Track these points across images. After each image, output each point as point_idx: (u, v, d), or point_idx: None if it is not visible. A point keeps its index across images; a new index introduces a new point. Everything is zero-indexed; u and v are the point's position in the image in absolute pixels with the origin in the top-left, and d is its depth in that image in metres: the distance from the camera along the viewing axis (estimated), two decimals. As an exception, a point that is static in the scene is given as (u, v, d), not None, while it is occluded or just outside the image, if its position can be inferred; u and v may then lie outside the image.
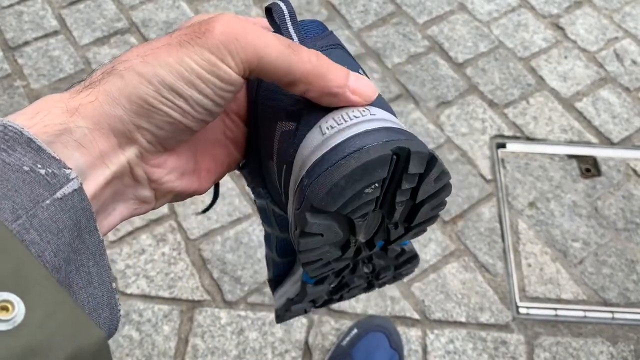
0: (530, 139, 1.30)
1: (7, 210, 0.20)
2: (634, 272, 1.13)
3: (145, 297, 1.09)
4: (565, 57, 1.45)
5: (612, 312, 1.09)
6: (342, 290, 0.37)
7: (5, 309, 0.18)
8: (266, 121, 0.30)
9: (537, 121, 1.33)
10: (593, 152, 1.28)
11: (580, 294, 1.11)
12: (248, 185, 0.37)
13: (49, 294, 0.19)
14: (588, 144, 1.30)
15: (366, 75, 0.29)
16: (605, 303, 1.10)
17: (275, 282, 0.40)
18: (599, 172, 1.26)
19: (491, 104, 1.36)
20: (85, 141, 0.24)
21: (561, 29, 1.50)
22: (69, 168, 0.23)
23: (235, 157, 0.33)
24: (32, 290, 0.19)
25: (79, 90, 0.25)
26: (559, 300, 1.10)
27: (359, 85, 0.27)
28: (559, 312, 1.09)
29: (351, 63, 0.30)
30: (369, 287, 0.38)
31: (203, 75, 0.25)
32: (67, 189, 0.22)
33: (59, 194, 0.22)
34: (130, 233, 1.14)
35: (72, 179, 0.23)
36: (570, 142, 1.30)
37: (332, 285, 0.36)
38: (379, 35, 1.47)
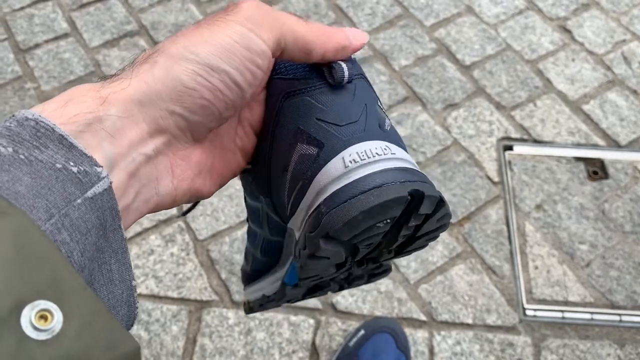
0: (537, 142, 1.30)
1: (42, 209, 0.20)
2: (641, 275, 1.13)
3: (154, 297, 1.10)
4: (573, 60, 1.45)
5: (619, 314, 1.09)
6: (315, 292, 0.39)
7: (44, 317, 0.18)
8: (286, 139, 0.31)
9: (545, 123, 1.33)
10: (600, 155, 1.28)
11: (588, 296, 1.11)
12: (245, 189, 0.37)
13: (86, 304, 0.19)
14: (595, 146, 1.30)
15: (382, 110, 0.32)
16: (613, 306, 1.10)
17: (252, 276, 0.41)
18: (606, 175, 1.26)
19: (498, 106, 1.36)
20: (115, 130, 0.24)
21: (568, 31, 1.50)
22: (100, 166, 0.23)
23: (240, 165, 0.33)
24: (69, 299, 0.19)
25: (110, 81, 0.25)
26: (566, 303, 1.10)
27: (355, 33, 0.30)
28: (566, 315, 1.09)
29: (371, 93, 0.32)
30: (340, 289, 0.40)
31: (235, 47, 0.25)
32: (97, 188, 0.22)
33: (89, 193, 0.22)
34: (139, 234, 1.15)
35: (103, 177, 0.23)
36: (578, 145, 1.30)
37: (308, 288, 0.38)
38: (387, 37, 1.48)
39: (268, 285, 0.39)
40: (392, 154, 0.28)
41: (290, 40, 0.27)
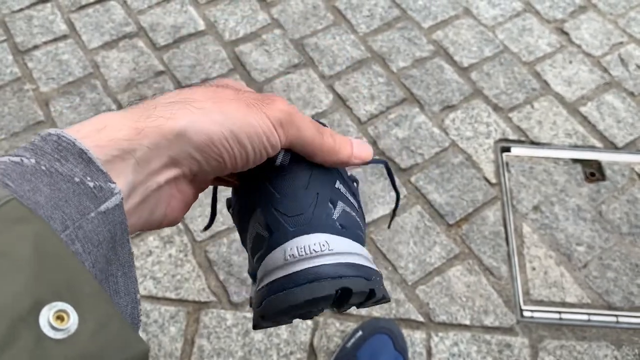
0: (534, 143, 1.31)
1: (58, 220, 0.22)
2: (638, 276, 1.13)
3: (152, 298, 1.10)
4: (570, 62, 1.45)
5: (616, 315, 1.09)
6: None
7: (61, 318, 0.19)
8: (247, 212, 0.35)
9: (542, 125, 1.34)
10: (597, 157, 1.29)
11: (585, 297, 1.11)
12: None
13: (100, 306, 0.20)
14: (592, 148, 1.31)
15: (344, 183, 0.36)
16: (610, 307, 1.10)
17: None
18: (603, 177, 1.26)
19: (496, 108, 1.37)
20: (143, 160, 0.27)
21: (566, 33, 1.51)
22: (113, 182, 0.24)
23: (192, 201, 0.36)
24: (85, 301, 0.20)
25: (145, 115, 0.27)
26: (563, 304, 1.10)
27: (360, 151, 0.35)
28: (563, 316, 1.09)
29: (330, 176, 0.35)
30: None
31: (260, 135, 0.30)
32: (110, 203, 0.24)
33: (102, 208, 0.24)
34: (137, 235, 1.16)
35: (116, 193, 0.24)
36: (575, 147, 1.31)
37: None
38: (384, 39, 1.48)
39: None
40: (329, 250, 0.32)
41: (299, 145, 0.32)
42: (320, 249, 0.31)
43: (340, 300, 0.32)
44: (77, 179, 0.23)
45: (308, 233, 0.32)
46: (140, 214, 0.28)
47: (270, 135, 0.30)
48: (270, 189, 0.34)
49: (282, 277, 0.31)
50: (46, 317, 0.18)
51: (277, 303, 0.31)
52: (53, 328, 0.18)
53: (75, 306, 0.19)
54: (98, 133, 0.25)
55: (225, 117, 0.28)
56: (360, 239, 0.34)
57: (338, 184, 0.35)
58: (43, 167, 0.23)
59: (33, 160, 0.23)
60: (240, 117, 0.29)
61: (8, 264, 0.19)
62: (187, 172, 0.29)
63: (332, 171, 0.35)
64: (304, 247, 0.31)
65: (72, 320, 0.19)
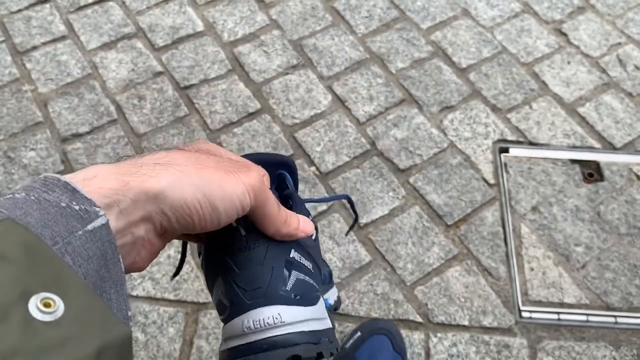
0: (533, 144, 1.31)
1: (47, 237, 0.24)
2: (636, 277, 1.13)
3: (150, 299, 1.10)
4: (568, 63, 1.45)
5: (614, 316, 1.09)
6: None
7: (48, 305, 0.21)
8: (211, 278, 0.39)
9: (540, 126, 1.34)
10: (596, 157, 1.29)
11: (583, 298, 1.11)
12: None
13: (84, 297, 0.22)
14: (591, 148, 1.31)
15: (300, 251, 0.40)
16: (608, 307, 1.10)
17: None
18: (601, 177, 1.26)
19: (494, 108, 1.37)
20: (125, 210, 0.29)
21: (564, 34, 1.51)
22: (98, 207, 0.27)
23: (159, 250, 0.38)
24: (70, 293, 0.22)
25: (132, 170, 0.30)
26: (561, 304, 1.11)
27: (305, 226, 0.40)
28: (562, 316, 1.09)
29: (284, 248, 0.39)
30: None
31: (234, 201, 0.32)
32: (96, 223, 0.26)
33: (89, 227, 0.26)
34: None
35: (101, 215, 0.27)
36: (573, 147, 1.31)
37: None
38: (383, 40, 1.48)
39: None
40: (281, 321, 0.36)
41: (260, 214, 0.36)
42: (273, 321, 0.36)
43: None
44: (63, 204, 0.26)
45: (264, 305, 0.36)
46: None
47: (243, 199, 0.33)
48: (230, 264, 0.37)
49: (240, 344, 0.36)
50: (34, 303, 0.21)
51: None
52: (41, 312, 0.21)
53: (61, 296, 0.22)
54: (88, 181, 0.28)
55: (203, 181, 0.31)
56: (313, 300, 0.39)
57: (293, 253, 0.39)
58: (32, 197, 0.26)
59: (23, 194, 0.26)
60: (217, 182, 0.32)
61: (1, 264, 0.21)
62: (158, 226, 0.31)
63: (281, 245, 0.39)
64: (259, 320, 0.36)
65: (58, 307, 0.21)
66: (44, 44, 1.46)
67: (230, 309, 0.37)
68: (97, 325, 0.22)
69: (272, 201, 0.36)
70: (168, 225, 0.31)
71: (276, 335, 0.36)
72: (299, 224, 0.39)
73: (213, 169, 0.32)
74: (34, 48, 1.45)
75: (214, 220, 0.32)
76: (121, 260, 0.28)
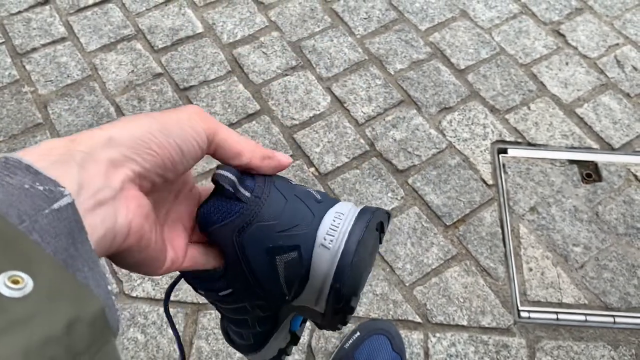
0: (531, 145, 1.32)
1: (14, 215, 0.24)
2: (634, 277, 1.14)
3: (150, 299, 1.10)
4: (566, 64, 1.46)
5: (613, 316, 1.10)
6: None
7: (16, 282, 0.21)
8: (264, 262, 0.36)
9: (538, 127, 1.35)
10: (594, 158, 1.29)
11: (582, 298, 1.12)
12: (226, 321, 0.46)
13: (54, 273, 0.22)
14: (589, 149, 1.31)
15: (302, 185, 0.40)
16: (607, 307, 1.11)
17: (257, 343, 0.46)
18: (599, 178, 1.27)
19: (492, 109, 1.37)
20: (83, 162, 0.29)
21: (562, 35, 1.52)
22: (62, 187, 0.27)
23: (173, 262, 0.36)
24: (39, 270, 0.22)
25: (79, 133, 0.30)
26: (560, 305, 1.11)
27: (280, 154, 0.38)
28: (560, 316, 1.09)
29: (290, 183, 0.39)
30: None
31: (184, 124, 0.33)
32: (62, 202, 0.26)
33: (55, 206, 0.26)
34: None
35: (66, 195, 0.26)
36: (571, 148, 1.31)
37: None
38: (382, 42, 1.49)
39: (277, 342, 0.46)
40: (341, 214, 0.36)
41: (222, 139, 0.35)
42: (338, 220, 0.36)
43: (383, 230, 0.38)
44: (27, 186, 0.25)
45: (321, 221, 0.36)
46: (103, 217, 0.29)
47: (195, 125, 0.33)
48: (263, 224, 0.35)
49: (338, 264, 0.35)
50: (2, 281, 0.21)
51: (354, 280, 0.35)
52: (8, 288, 0.20)
53: (29, 273, 0.21)
54: (37, 148, 0.28)
55: (146, 119, 0.31)
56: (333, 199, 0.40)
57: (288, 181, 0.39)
58: None
59: None
60: (159, 118, 0.32)
61: None
62: (130, 173, 0.31)
63: (286, 181, 0.38)
64: (329, 229, 0.36)
65: (27, 283, 0.21)
66: (44, 45, 1.47)
67: (301, 251, 0.36)
68: (67, 300, 0.22)
69: (224, 126, 0.36)
70: (138, 169, 0.31)
71: (353, 225, 0.36)
72: (272, 151, 0.38)
73: (149, 114, 0.33)
74: (34, 50, 1.46)
75: (176, 149, 0.32)
76: (89, 240, 0.27)
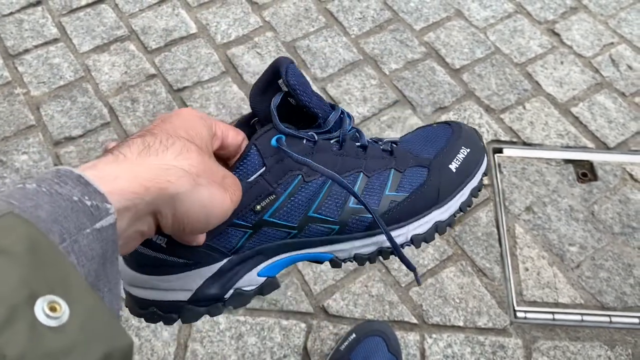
0: (526, 144, 1.31)
1: (57, 233, 0.24)
2: (630, 276, 1.14)
3: (144, 302, 1.09)
4: (562, 63, 1.46)
5: (609, 315, 1.09)
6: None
7: (54, 309, 0.21)
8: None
9: (534, 126, 1.34)
10: (589, 157, 1.29)
11: (578, 297, 1.11)
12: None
13: (89, 302, 0.22)
14: (584, 148, 1.31)
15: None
16: (603, 307, 1.10)
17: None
18: (595, 177, 1.26)
19: (488, 109, 1.37)
20: (139, 212, 0.30)
21: (557, 34, 1.51)
22: (109, 203, 0.27)
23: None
24: (75, 297, 0.22)
25: (155, 173, 0.32)
26: (556, 304, 1.11)
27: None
28: (557, 316, 1.09)
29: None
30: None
31: (222, 219, 0.36)
32: (105, 222, 0.26)
33: (98, 225, 0.26)
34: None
35: (111, 213, 0.27)
36: (567, 147, 1.31)
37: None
38: (376, 41, 1.48)
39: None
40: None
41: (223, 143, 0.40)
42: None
43: None
44: (75, 198, 0.25)
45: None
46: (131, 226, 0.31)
47: (227, 215, 0.36)
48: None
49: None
50: (40, 307, 0.20)
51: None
52: (47, 316, 0.20)
53: (66, 299, 0.21)
54: (110, 182, 0.28)
55: (210, 201, 0.33)
56: None
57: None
58: (44, 189, 0.25)
59: (35, 185, 0.25)
60: (219, 204, 0.34)
61: (6, 260, 0.21)
62: (158, 224, 0.33)
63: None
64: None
65: (64, 311, 0.21)
66: (36, 47, 1.46)
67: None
68: (102, 333, 0.22)
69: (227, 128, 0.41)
70: (163, 226, 0.32)
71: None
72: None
73: (218, 186, 0.34)
74: (26, 51, 1.45)
75: (197, 231, 0.34)
76: (118, 259, 0.28)
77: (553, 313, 1.10)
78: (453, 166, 0.48)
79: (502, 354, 1.05)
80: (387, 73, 1.42)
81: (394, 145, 0.49)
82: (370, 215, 0.44)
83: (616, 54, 1.47)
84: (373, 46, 1.47)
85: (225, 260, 0.41)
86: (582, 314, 1.09)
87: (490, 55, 1.46)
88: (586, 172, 1.27)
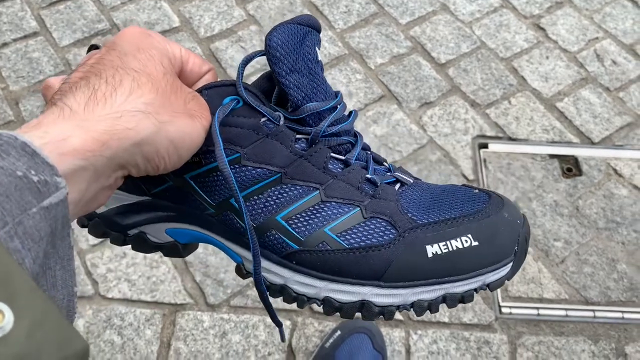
0: (512, 139, 1.31)
1: None
2: (614, 271, 1.14)
3: (126, 301, 1.08)
4: (547, 58, 1.46)
5: (593, 310, 1.10)
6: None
7: None
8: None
9: (519, 121, 1.34)
10: (574, 152, 1.29)
11: (562, 293, 1.12)
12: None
13: (36, 304, 0.20)
14: (569, 143, 1.31)
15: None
16: (587, 302, 1.11)
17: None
18: (580, 172, 1.27)
19: (473, 104, 1.36)
20: (100, 169, 0.28)
21: (542, 29, 1.51)
22: (59, 176, 0.24)
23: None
24: (20, 299, 0.19)
25: (110, 123, 0.29)
26: (541, 300, 1.11)
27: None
28: (541, 312, 1.09)
29: None
30: None
31: (195, 147, 0.34)
32: (54, 198, 0.23)
33: (45, 203, 0.23)
34: (111, 236, 1.13)
35: (61, 188, 0.24)
36: (552, 142, 1.31)
37: None
38: (362, 36, 1.47)
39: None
40: None
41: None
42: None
43: None
44: (19, 173, 0.22)
45: None
46: (78, 211, 0.29)
47: (200, 143, 0.34)
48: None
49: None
50: None
51: None
52: None
53: (9, 304, 0.19)
54: (63, 142, 0.26)
55: (176, 134, 0.31)
56: None
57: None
58: None
59: None
60: (188, 133, 0.32)
61: None
62: (126, 173, 0.31)
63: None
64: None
65: (7, 319, 0.18)
66: (15, 40, 1.43)
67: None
68: (52, 340, 0.19)
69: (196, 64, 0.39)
70: (134, 172, 0.31)
71: None
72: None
73: (183, 115, 0.32)
74: (4, 45, 1.42)
75: (174, 166, 0.33)
76: (70, 235, 0.25)
77: (538, 308, 1.10)
78: (432, 250, 0.35)
79: (487, 349, 1.05)
80: (373, 67, 1.41)
81: (392, 186, 0.38)
82: (296, 246, 0.35)
83: (601, 49, 1.48)
84: (358, 40, 1.46)
85: (143, 197, 0.39)
86: (566, 309, 1.10)
87: (475, 50, 1.46)
88: (571, 167, 1.27)
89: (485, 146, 1.30)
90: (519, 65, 1.44)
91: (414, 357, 1.04)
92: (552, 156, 1.29)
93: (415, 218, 0.36)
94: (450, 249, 0.35)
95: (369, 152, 0.39)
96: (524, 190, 1.23)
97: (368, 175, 0.37)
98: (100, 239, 1.13)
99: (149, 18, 1.48)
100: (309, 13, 1.50)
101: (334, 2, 1.53)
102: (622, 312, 1.10)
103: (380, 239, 0.35)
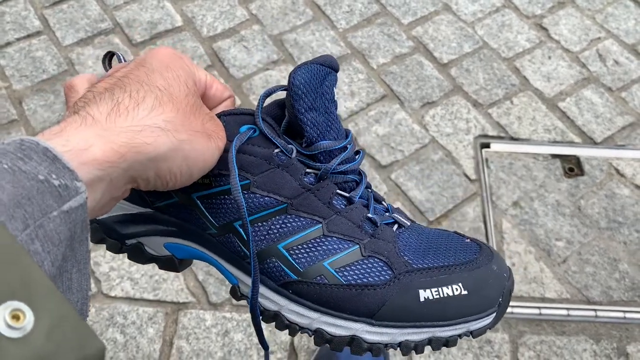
0: (514, 139, 1.31)
1: (19, 219, 0.22)
2: (616, 271, 1.14)
3: (129, 299, 1.08)
4: (549, 58, 1.46)
5: (595, 310, 1.10)
6: None
7: (17, 317, 0.19)
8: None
9: (521, 121, 1.34)
10: (576, 152, 1.30)
11: (564, 292, 1.12)
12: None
13: (55, 305, 0.20)
14: (571, 143, 1.31)
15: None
16: (589, 301, 1.11)
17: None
18: (582, 172, 1.27)
19: (475, 104, 1.37)
20: (115, 180, 0.29)
21: (545, 29, 1.51)
22: (80, 180, 0.25)
23: None
24: (40, 300, 0.20)
25: (131, 136, 0.30)
26: (542, 299, 1.11)
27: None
28: (543, 311, 1.09)
29: None
30: None
31: (208, 167, 0.35)
32: (74, 202, 0.24)
33: (66, 207, 0.24)
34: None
35: (81, 192, 0.25)
36: (554, 142, 1.31)
37: None
38: (364, 35, 1.47)
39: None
40: None
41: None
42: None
43: None
44: (41, 177, 0.23)
45: None
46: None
47: (213, 164, 0.34)
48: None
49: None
50: (2, 316, 0.18)
51: None
52: (9, 327, 0.18)
53: (30, 305, 0.19)
54: (85, 151, 0.26)
55: (192, 153, 0.32)
56: None
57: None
58: (5, 166, 0.23)
59: None
60: (202, 152, 0.32)
61: None
62: (135, 185, 0.31)
63: None
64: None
65: (28, 319, 0.19)
66: (18, 39, 1.43)
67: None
68: (71, 341, 0.20)
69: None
70: (142, 185, 0.32)
71: None
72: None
73: (200, 135, 0.32)
74: (8, 44, 1.42)
75: (183, 184, 0.33)
76: (89, 239, 0.26)
77: (539, 308, 1.10)
78: (425, 294, 0.36)
79: (488, 348, 1.06)
80: (375, 67, 1.41)
81: (390, 227, 0.39)
82: (294, 276, 0.36)
83: (603, 49, 1.48)
84: (361, 40, 1.46)
85: (146, 209, 0.39)
86: (568, 309, 1.10)
87: (478, 50, 1.46)
88: (573, 167, 1.27)
89: (487, 146, 1.30)
90: (521, 65, 1.44)
91: (417, 355, 1.05)
92: (554, 156, 1.29)
93: (411, 262, 0.37)
94: (442, 296, 0.36)
95: (371, 191, 0.40)
96: (526, 190, 1.23)
97: (369, 215, 0.38)
98: (103, 238, 1.13)
99: (151, 17, 1.48)
100: (311, 13, 1.51)
101: (336, 1, 1.53)
102: (624, 311, 1.10)
103: (377, 278, 0.36)
